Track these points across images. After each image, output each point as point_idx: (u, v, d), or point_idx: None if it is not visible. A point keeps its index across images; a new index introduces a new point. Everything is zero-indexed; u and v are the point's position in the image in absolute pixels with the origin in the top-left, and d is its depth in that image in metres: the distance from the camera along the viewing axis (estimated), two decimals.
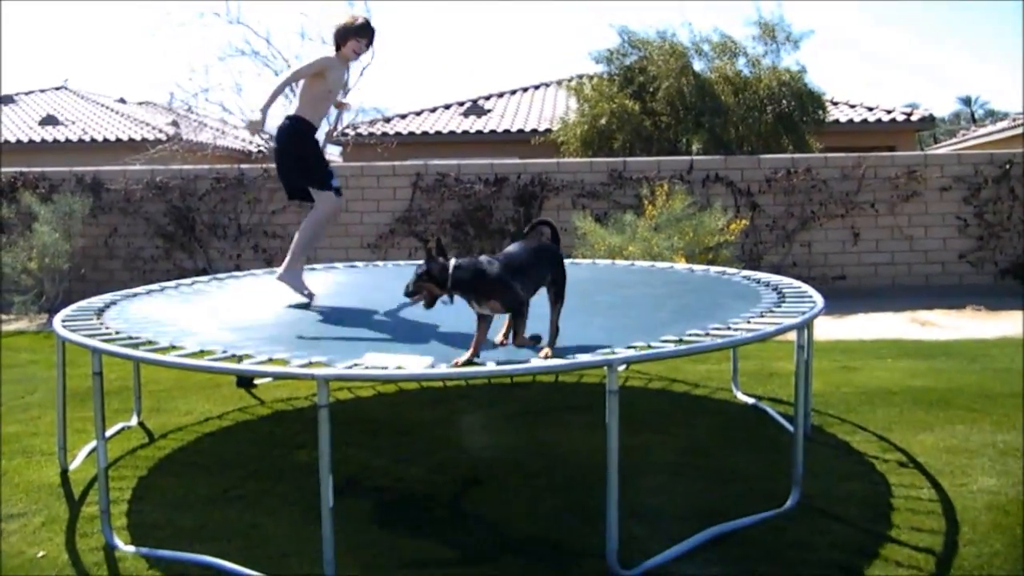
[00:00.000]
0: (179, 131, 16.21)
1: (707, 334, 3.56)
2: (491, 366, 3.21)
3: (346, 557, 3.07)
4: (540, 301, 3.49)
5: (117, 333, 3.87)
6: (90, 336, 3.68)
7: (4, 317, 9.65)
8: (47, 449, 4.58)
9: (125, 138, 18.52)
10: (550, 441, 4.62)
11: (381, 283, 5.87)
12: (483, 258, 3.37)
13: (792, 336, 3.74)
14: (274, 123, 5.07)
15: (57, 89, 23.39)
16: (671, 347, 3.37)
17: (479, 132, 17.76)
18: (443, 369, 3.23)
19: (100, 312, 4.54)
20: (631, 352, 3.27)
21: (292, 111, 4.85)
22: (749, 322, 3.82)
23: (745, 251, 10.23)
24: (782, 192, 10.49)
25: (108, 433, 4.21)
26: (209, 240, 10.96)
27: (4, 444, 4.73)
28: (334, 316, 4.93)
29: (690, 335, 3.53)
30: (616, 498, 2.99)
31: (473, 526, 3.49)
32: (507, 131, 17.44)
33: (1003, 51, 75.41)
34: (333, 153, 15.66)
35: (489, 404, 5.56)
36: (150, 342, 3.67)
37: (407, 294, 3.33)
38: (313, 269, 6.12)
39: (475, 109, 19.13)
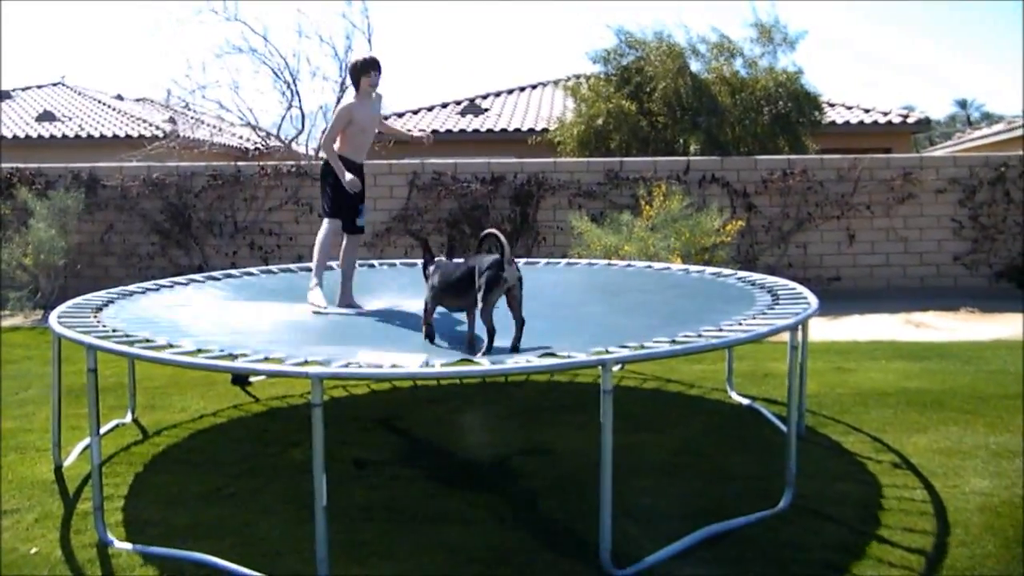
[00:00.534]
0: (176, 128, 16.16)
1: (700, 335, 3.57)
2: (486, 365, 3.22)
3: (339, 556, 3.07)
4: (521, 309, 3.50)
5: (114, 331, 3.87)
6: (85, 332, 3.68)
7: None
8: (41, 445, 4.57)
9: (122, 135, 18.44)
10: (544, 440, 4.63)
11: (377, 281, 5.88)
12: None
13: (786, 337, 3.75)
14: None
15: (54, 85, 23.26)
16: (665, 347, 3.38)
17: (476, 131, 17.72)
18: (437, 368, 3.25)
19: (97, 309, 4.53)
20: (625, 352, 3.28)
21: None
22: (741, 324, 3.83)
23: (741, 252, 10.24)
24: (778, 193, 10.51)
25: (102, 430, 4.20)
26: (205, 237, 10.95)
27: None
28: (330, 315, 4.95)
29: (684, 336, 3.53)
30: (610, 498, 3.00)
31: (467, 525, 3.49)
32: (504, 130, 17.40)
33: (999, 54, 75.49)
34: None
35: (483, 403, 5.57)
36: (147, 340, 3.67)
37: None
38: (311, 269, 6.10)
39: (472, 108, 19.11)
